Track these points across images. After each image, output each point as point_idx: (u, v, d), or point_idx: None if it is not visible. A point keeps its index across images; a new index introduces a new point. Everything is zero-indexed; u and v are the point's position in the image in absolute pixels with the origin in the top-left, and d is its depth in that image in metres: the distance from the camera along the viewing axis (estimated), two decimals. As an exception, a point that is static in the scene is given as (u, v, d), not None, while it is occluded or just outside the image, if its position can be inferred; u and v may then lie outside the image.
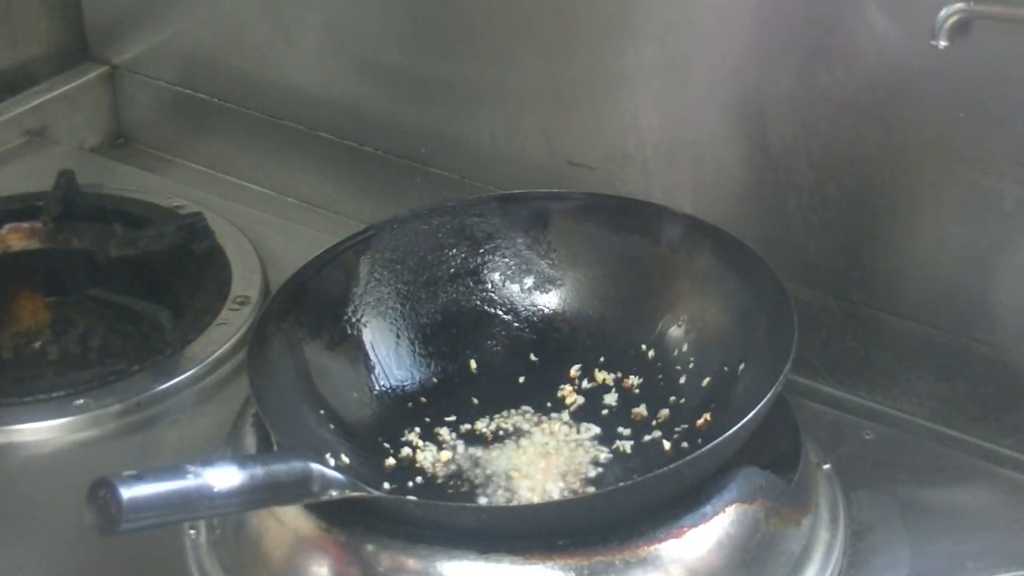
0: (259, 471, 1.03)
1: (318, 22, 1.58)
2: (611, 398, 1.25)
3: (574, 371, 1.28)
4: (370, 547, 1.07)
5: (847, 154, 1.29)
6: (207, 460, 1.01)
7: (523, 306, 1.32)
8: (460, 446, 1.21)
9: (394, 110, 1.55)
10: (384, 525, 1.07)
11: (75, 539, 1.18)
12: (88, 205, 1.58)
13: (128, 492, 0.94)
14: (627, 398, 1.25)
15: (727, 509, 1.09)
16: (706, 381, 1.23)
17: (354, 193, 1.60)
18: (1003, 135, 1.22)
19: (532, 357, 1.30)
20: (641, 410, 1.23)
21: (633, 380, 1.26)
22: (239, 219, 1.58)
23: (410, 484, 1.17)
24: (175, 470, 0.99)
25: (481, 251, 1.33)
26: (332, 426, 1.21)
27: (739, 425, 1.08)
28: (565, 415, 1.24)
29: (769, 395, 1.10)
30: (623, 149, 1.40)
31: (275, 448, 1.14)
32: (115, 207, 1.58)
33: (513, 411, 1.25)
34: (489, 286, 1.33)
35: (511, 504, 1.14)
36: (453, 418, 1.24)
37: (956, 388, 1.31)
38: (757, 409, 1.09)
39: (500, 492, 1.16)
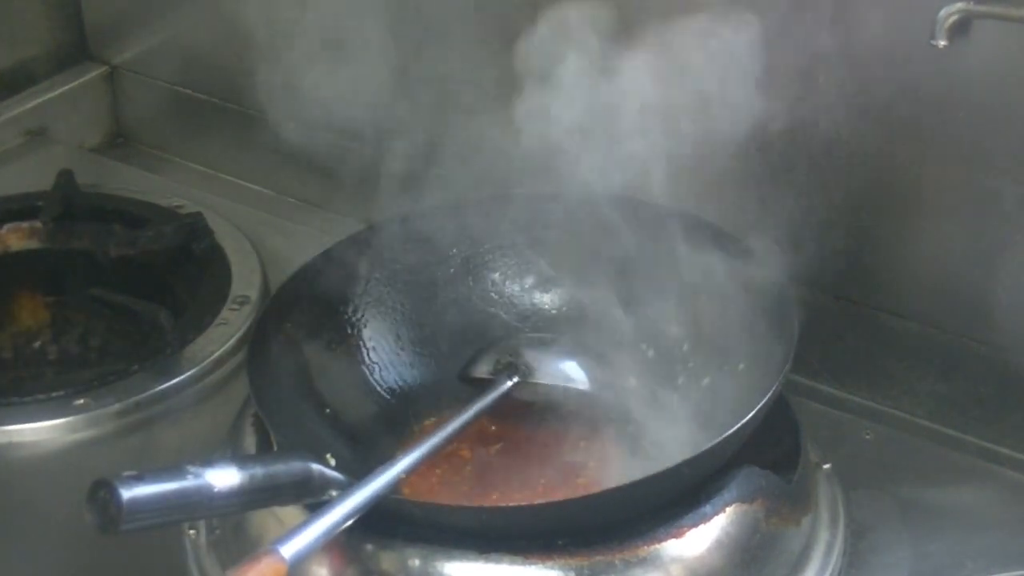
0: (259, 471, 1.03)
1: (318, 22, 1.58)
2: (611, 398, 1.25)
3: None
4: (370, 547, 1.07)
5: (847, 154, 1.29)
6: (207, 460, 1.02)
7: (523, 306, 1.32)
8: (461, 446, 1.21)
9: (394, 110, 1.55)
10: (384, 525, 1.07)
11: (75, 539, 1.18)
12: (88, 205, 1.58)
13: (128, 492, 0.94)
14: (627, 397, 1.25)
15: (727, 509, 1.09)
16: (706, 381, 1.23)
17: (354, 193, 1.60)
18: (1003, 135, 1.22)
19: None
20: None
21: (633, 380, 1.26)
22: (239, 219, 1.58)
23: (410, 484, 1.18)
24: (175, 470, 0.99)
25: (481, 251, 1.33)
26: (332, 426, 1.21)
27: (739, 425, 1.08)
28: (565, 415, 1.24)
29: (769, 395, 1.10)
30: (623, 149, 1.40)
31: (275, 448, 1.15)
32: (114, 207, 1.58)
33: (515, 411, 1.24)
34: (489, 286, 1.33)
35: (511, 504, 1.14)
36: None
37: (956, 388, 1.31)
38: (757, 409, 1.09)
39: (499, 493, 1.17)
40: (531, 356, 1.26)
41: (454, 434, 1.15)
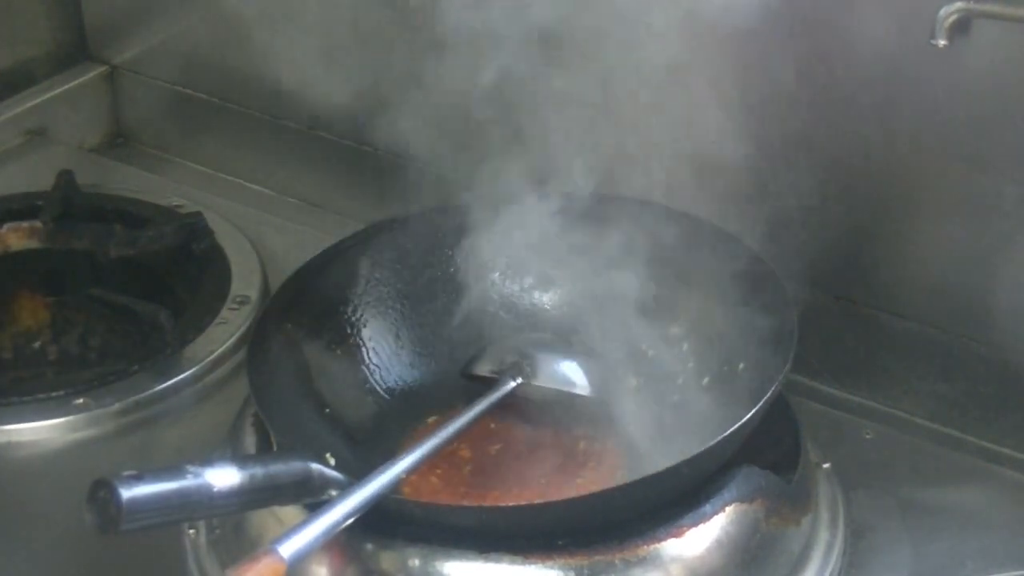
0: (259, 471, 1.03)
1: (318, 22, 1.58)
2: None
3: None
4: (370, 547, 1.07)
5: (847, 154, 1.29)
6: (207, 460, 1.02)
7: (523, 306, 1.32)
8: (461, 446, 1.21)
9: (395, 110, 1.55)
10: (384, 525, 1.07)
11: (75, 539, 1.18)
12: (88, 205, 1.58)
13: (128, 492, 0.94)
14: (627, 398, 1.25)
15: (727, 509, 1.09)
16: (706, 381, 1.24)
17: (354, 193, 1.60)
18: (1003, 135, 1.22)
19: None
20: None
21: (633, 380, 1.26)
22: (239, 219, 1.58)
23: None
24: (175, 470, 0.99)
25: (481, 251, 1.33)
26: (332, 426, 1.21)
27: (738, 424, 1.08)
28: (565, 415, 1.24)
29: (769, 395, 1.10)
30: (623, 149, 1.40)
31: (275, 448, 1.15)
32: (115, 207, 1.58)
33: (515, 411, 1.24)
34: (489, 286, 1.33)
35: (511, 504, 1.14)
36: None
37: (956, 388, 1.31)
38: (757, 408, 1.09)
39: (498, 492, 1.17)
40: (535, 357, 1.25)
41: (455, 434, 1.15)
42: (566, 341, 1.29)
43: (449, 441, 1.15)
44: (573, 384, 1.25)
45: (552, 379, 1.24)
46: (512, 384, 1.22)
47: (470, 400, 1.21)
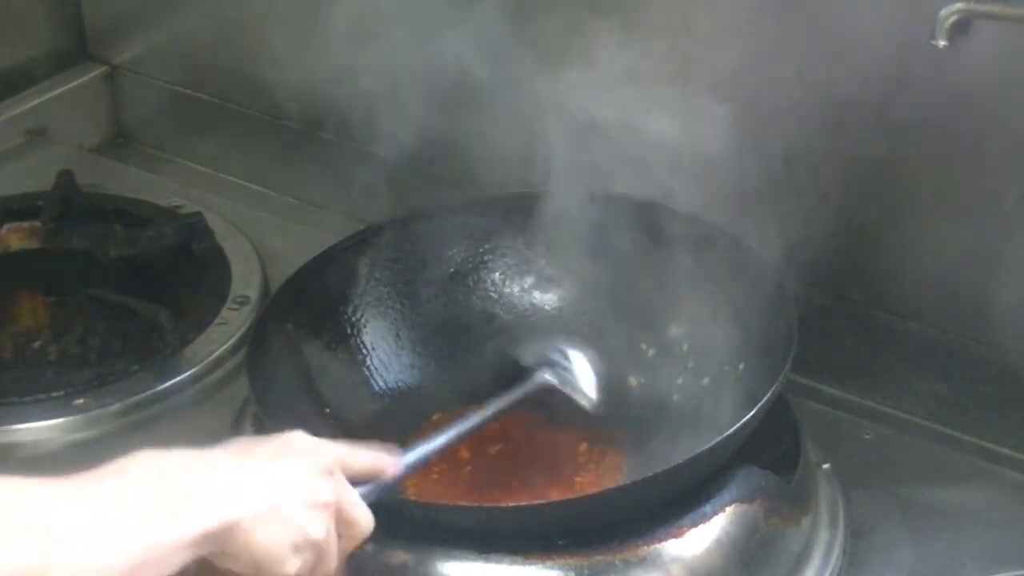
0: (259, 471, 1.03)
1: (318, 22, 1.58)
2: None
3: (574, 371, 1.28)
4: (370, 547, 1.07)
5: (847, 154, 1.29)
6: (207, 460, 1.01)
7: (523, 306, 1.32)
8: (460, 447, 1.21)
9: (394, 110, 1.55)
10: (384, 525, 1.07)
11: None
12: (88, 205, 1.58)
13: (128, 492, 0.94)
14: (627, 397, 1.25)
15: (727, 509, 1.09)
16: (706, 381, 1.24)
17: (354, 193, 1.60)
18: (1003, 135, 1.22)
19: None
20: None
21: (633, 380, 1.27)
22: (239, 219, 1.58)
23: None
24: (176, 470, 0.99)
25: (481, 251, 1.33)
26: (332, 426, 1.21)
27: (739, 424, 1.08)
28: (565, 415, 1.24)
29: (769, 395, 1.10)
30: (622, 149, 1.40)
31: (275, 448, 1.14)
32: (115, 207, 1.58)
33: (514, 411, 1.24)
34: (489, 286, 1.33)
35: (511, 504, 1.14)
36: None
37: (956, 388, 1.31)
38: (757, 409, 1.09)
39: (498, 492, 1.17)
40: (568, 359, 1.22)
41: (494, 415, 1.14)
42: (588, 346, 1.27)
43: (488, 421, 1.14)
44: (587, 397, 1.22)
45: (572, 387, 1.21)
46: (546, 381, 1.19)
47: (469, 400, 1.21)
